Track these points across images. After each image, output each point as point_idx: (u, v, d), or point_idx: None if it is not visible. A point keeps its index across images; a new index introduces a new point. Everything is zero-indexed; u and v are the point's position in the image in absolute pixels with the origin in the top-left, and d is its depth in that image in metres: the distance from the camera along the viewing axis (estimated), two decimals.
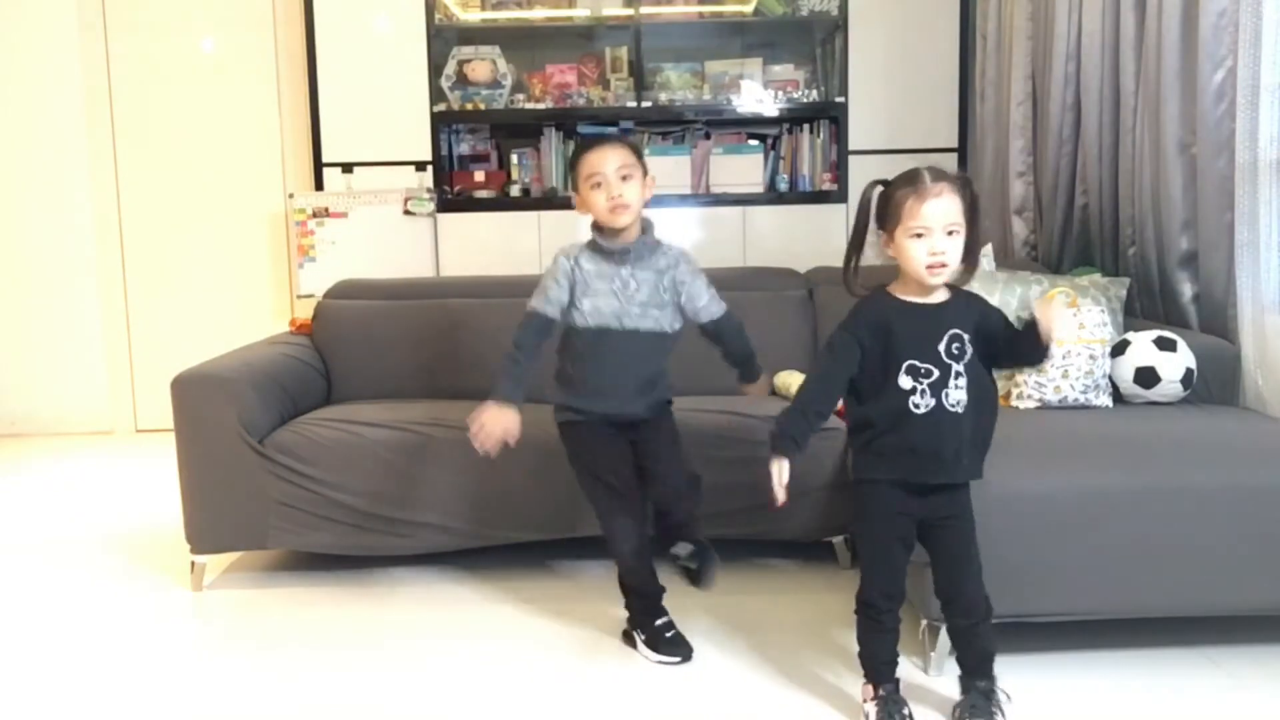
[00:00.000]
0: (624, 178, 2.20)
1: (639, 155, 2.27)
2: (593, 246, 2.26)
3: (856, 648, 2.01)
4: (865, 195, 1.92)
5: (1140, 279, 3.09)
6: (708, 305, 2.32)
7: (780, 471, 1.93)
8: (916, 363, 1.86)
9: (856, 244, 1.94)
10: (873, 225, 1.91)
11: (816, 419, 1.94)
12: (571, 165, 2.29)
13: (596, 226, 2.26)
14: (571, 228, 2.34)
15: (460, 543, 2.71)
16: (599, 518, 2.32)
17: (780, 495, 1.92)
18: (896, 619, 1.98)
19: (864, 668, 2.01)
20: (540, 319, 2.25)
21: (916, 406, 1.86)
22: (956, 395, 1.87)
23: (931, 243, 1.82)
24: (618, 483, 2.27)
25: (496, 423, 2.19)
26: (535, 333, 2.25)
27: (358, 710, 2.12)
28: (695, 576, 2.31)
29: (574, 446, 2.33)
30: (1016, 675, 2.18)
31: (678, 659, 2.28)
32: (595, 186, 2.21)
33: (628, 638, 2.39)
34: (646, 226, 2.28)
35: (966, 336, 1.88)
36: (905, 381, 1.86)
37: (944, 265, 1.83)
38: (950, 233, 1.83)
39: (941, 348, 1.86)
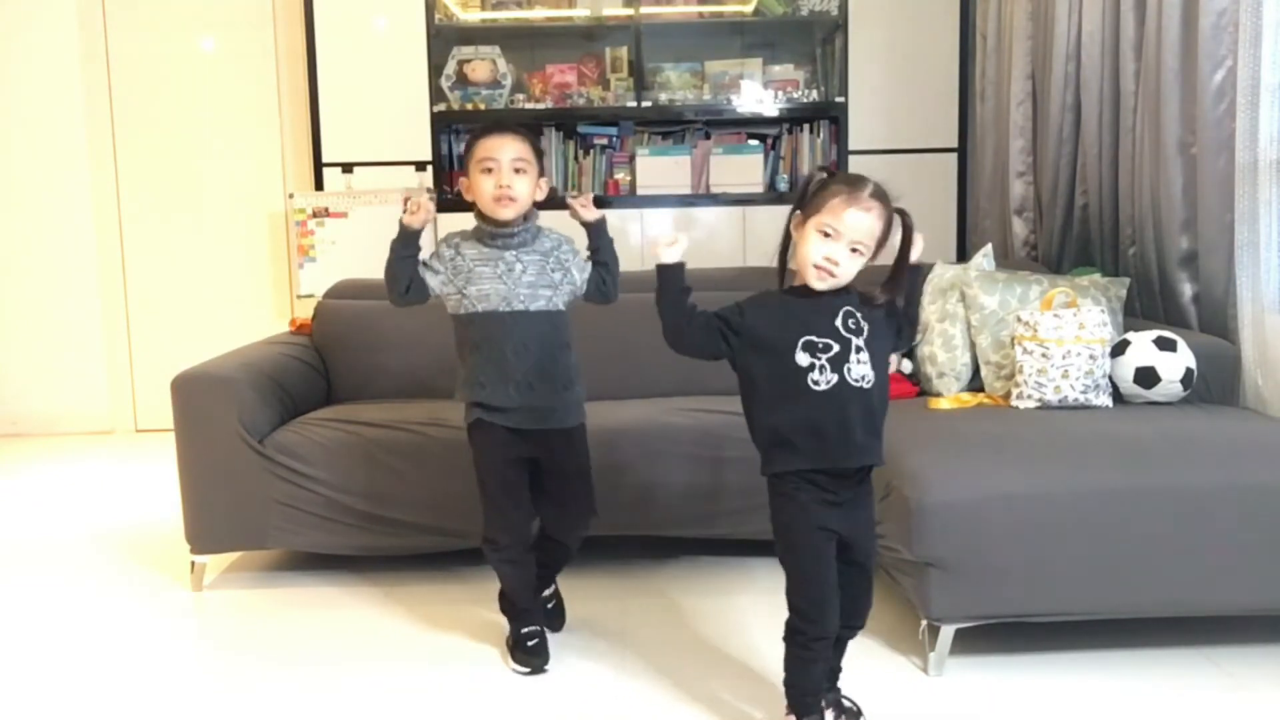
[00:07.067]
0: (517, 170, 2.16)
1: (538, 154, 2.24)
2: (477, 233, 2.21)
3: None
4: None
5: (1140, 279, 3.09)
6: (585, 274, 2.30)
7: None
8: (814, 338, 1.77)
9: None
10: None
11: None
12: (467, 147, 2.23)
13: (481, 214, 2.21)
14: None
15: (460, 543, 2.70)
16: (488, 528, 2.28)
17: None
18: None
19: (789, 698, 1.87)
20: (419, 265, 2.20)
21: (815, 384, 1.76)
22: (860, 370, 1.77)
23: (832, 248, 1.75)
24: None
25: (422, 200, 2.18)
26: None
27: (357, 710, 2.12)
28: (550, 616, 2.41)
29: (479, 449, 2.24)
30: (1016, 675, 2.19)
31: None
32: (486, 171, 2.15)
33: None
34: (530, 215, 2.24)
35: (860, 314, 1.79)
36: (802, 358, 1.76)
37: (833, 275, 1.75)
38: (854, 250, 1.75)
39: (839, 323, 1.78)
